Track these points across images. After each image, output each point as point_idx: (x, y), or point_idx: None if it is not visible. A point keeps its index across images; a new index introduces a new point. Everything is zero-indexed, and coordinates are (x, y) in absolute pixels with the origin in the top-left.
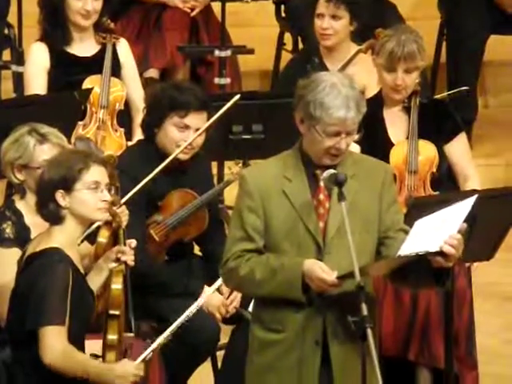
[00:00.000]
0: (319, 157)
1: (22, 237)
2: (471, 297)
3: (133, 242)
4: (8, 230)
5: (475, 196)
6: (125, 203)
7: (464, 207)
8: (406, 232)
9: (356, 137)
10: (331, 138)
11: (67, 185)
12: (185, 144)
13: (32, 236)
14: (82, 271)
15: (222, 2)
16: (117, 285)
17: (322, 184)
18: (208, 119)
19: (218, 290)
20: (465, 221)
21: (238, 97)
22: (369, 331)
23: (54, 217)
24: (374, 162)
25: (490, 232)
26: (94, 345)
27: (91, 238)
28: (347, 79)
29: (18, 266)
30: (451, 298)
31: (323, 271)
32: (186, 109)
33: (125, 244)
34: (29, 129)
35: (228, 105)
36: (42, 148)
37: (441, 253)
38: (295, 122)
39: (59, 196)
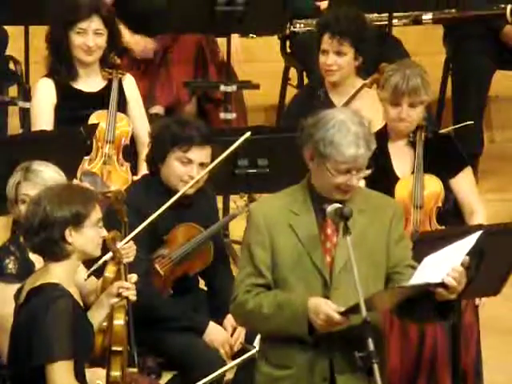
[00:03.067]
0: (329, 192)
1: (24, 272)
2: (478, 332)
3: (133, 277)
4: (10, 265)
5: (480, 231)
6: (130, 238)
7: (468, 242)
8: (415, 268)
9: (367, 172)
10: (342, 175)
11: (78, 222)
12: (193, 181)
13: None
14: (81, 305)
15: (228, 47)
16: (119, 320)
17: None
18: (212, 153)
19: (223, 326)
20: (472, 256)
21: (248, 134)
22: (375, 366)
23: (58, 253)
24: (383, 197)
25: (497, 267)
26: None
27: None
28: (356, 116)
29: (16, 303)
30: (458, 333)
31: (330, 307)
32: (188, 143)
33: (126, 279)
34: (25, 165)
35: (239, 141)
36: (23, 184)
37: (443, 285)
38: (304, 158)
39: (67, 233)
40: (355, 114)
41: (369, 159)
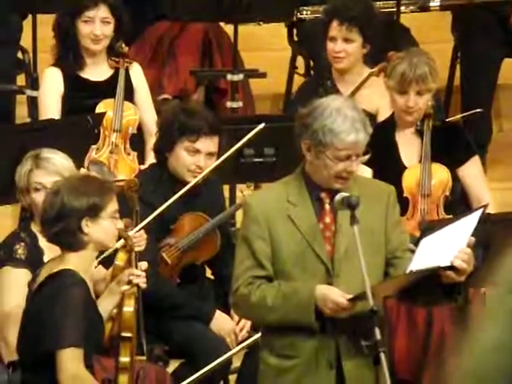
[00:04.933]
0: (329, 181)
1: (34, 258)
2: None
3: (143, 264)
4: (20, 250)
5: (481, 210)
6: (141, 227)
7: (471, 221)
8: (413, 251)
9: (365, 158)
10: (342, 162)
11: (95, 212)
12: (204, 173)
13: (46, 258)
14: (93, 296)
15: (235, 24)
16: (129, 307)
17: (327, 207)
18: (220, 143)
19: (229, 315)
20: (478, 246)
21: (262, 125)
22: (382, 355)
23: (75, 244)
24: (377, 183)
25: (503, 255)
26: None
27: (106, 262)
28: (349, 101)
29: (30, 289)
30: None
31: (337, 294)
32: (196, 133)
33: (136, 267)
34: (34, 153)
35: (253, 132)
36: (35, 172)
37: (451, 267)
38: (299, 149)
39: (84, 223)
40: (347, 99)
41: (366, 145)
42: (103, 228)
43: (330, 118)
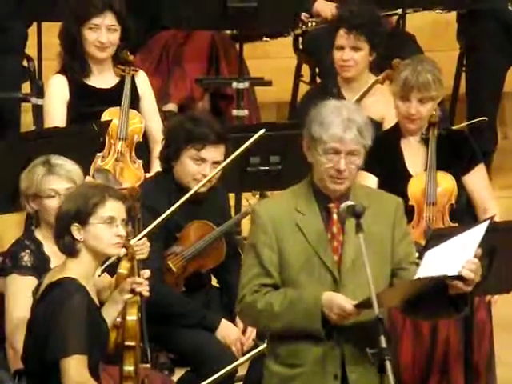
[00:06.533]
0: (324, 183)
1: (40, 265)
2: (491, 329)
3: (146, 273)
4: (26, 258)
5: (488, 221)
6: (144, 235)
7: (478, 232)
8: (419, 265)
9: (360, 162)
10: (330, 158)
11: (82, 218)
12: (206, 179)
13: (52, 265)
14: (96, 303)
15: (240, 43)
16: (132, 316)
17: (335, 217)
18: (226, 152)
19: (235, 323)
20: (484, 254)
21: (263, 130)
22: (387, 363)
23: (69, 249)
24: (386, 195)
25: (509, 264)
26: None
27: (111, 269)
28: (354, 106)
29: (34, 298)
30: (471, 329)
31: (343, 300)
32: (202, 142)
33: (139, 275)
34: (43, 159)
35: (254, 138)
36: (48, 178)
37: (459, 277)
38: (304, 153)
39: (75, 229)
40: (354, 104)
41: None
42: (94, 234)
43: (325, 112)
